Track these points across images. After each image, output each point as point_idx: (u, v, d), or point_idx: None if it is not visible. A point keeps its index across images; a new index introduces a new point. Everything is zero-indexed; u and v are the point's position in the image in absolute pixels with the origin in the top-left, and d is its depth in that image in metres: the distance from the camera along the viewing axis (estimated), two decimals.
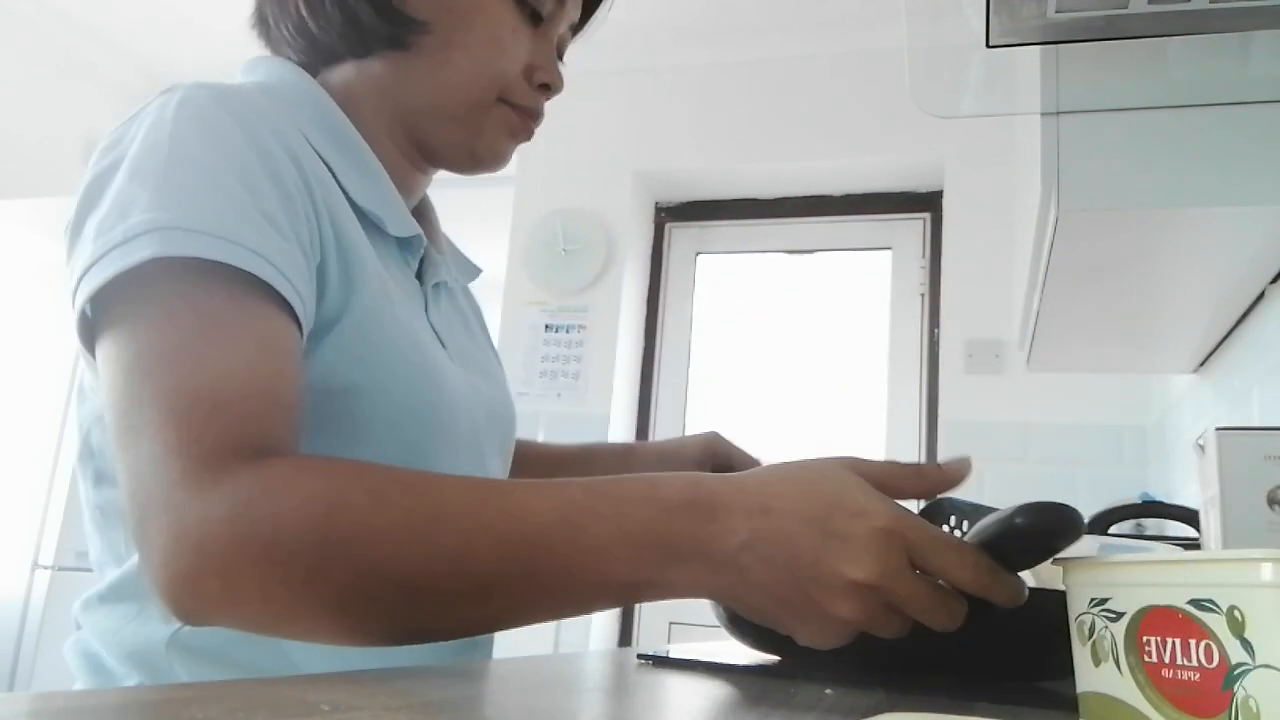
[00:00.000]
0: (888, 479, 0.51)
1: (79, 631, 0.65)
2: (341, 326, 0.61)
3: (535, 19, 0.73)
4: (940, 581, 0.49)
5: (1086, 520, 0.62)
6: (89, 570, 0.66)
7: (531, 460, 0.94)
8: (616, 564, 0.49)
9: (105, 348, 0.53)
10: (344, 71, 0.72)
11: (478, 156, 0.74)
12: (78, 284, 0.54)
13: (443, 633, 0.51)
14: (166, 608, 0.48)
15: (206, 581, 0.47)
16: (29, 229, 2.73)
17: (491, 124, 0.73)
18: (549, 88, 0.75)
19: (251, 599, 0.48)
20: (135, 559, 0.61)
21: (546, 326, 2.95)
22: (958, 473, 0.53)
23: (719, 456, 0.91)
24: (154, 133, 0.56)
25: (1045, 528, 0.48)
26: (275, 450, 0.51)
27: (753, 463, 0.91)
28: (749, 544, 0.48)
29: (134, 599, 0.62)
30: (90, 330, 0.56)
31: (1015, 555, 0.49)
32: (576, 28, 0.80)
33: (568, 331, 2.92)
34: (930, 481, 0.53)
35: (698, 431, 0.94)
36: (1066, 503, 0.48)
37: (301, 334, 0.57)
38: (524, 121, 0.75)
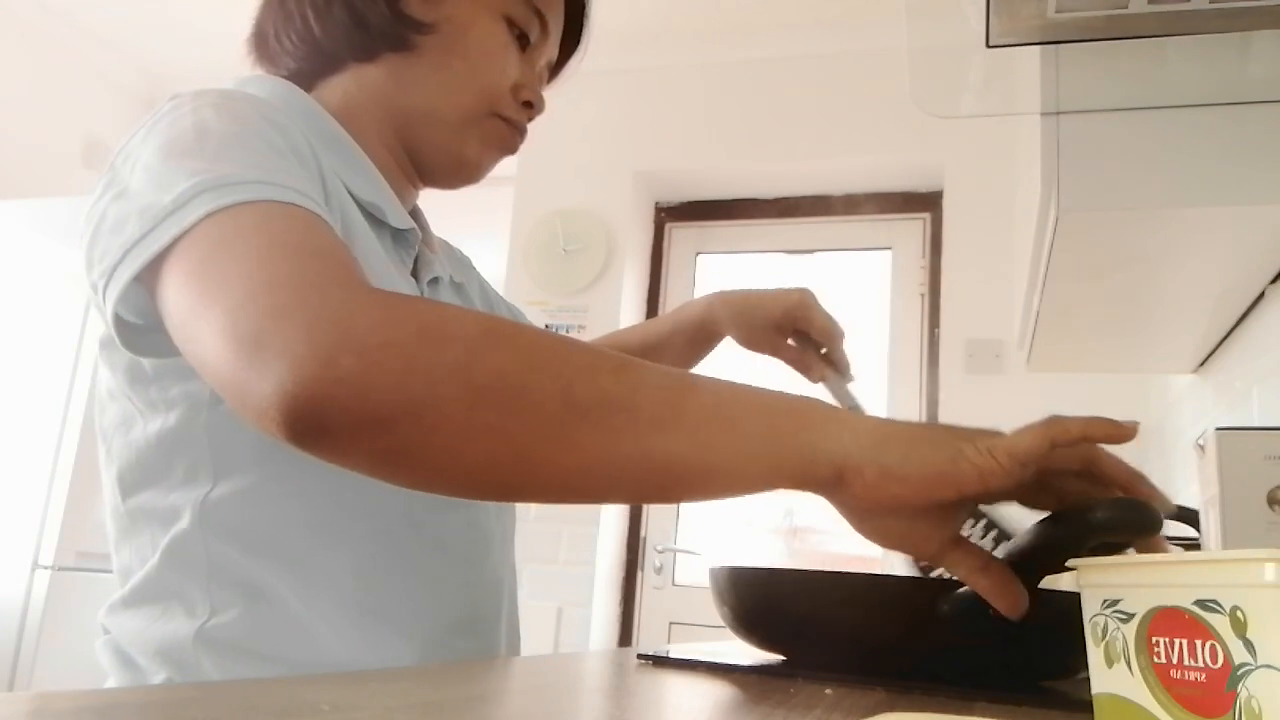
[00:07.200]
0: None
1: (107, 635, 0.65)
2: None
3: (523, 41, 0.77)
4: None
5: None
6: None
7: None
8: (754, 422, 0.49)
9: (173, 288, 0.51)
10: (342, 82, 0.75)
11: (464, 163, 0.77)
12: (119, 262, 0.53)
13: (562, 462, 0.47)
14: (281, 405, 0.44)
15: (341, 359, 0.43)
16: (29, 229, 2.73)
17: (482, 134, 0.77)
18: (532, 106, 0.79)
19: (388, 382, 0.43)
20: (156, 559, 0.62)
21: (546, 326, 2.95)
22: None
23: (800, 321, 0.90)
24: (176, 125, 0.58)
25: (1127, 522, 0.49)
26: None
27: (837, 333, 0.88)
28: (879, 426, 0.50)
29: (157, 601, 0.63)
30: (124, 330, 0.57)
31: (1093, 549, 0.50)
32: (551, 75, 0.84)
33: (568, 331, 2.92)
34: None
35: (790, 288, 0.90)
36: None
37: None
38: (511, 135, 0.78)
